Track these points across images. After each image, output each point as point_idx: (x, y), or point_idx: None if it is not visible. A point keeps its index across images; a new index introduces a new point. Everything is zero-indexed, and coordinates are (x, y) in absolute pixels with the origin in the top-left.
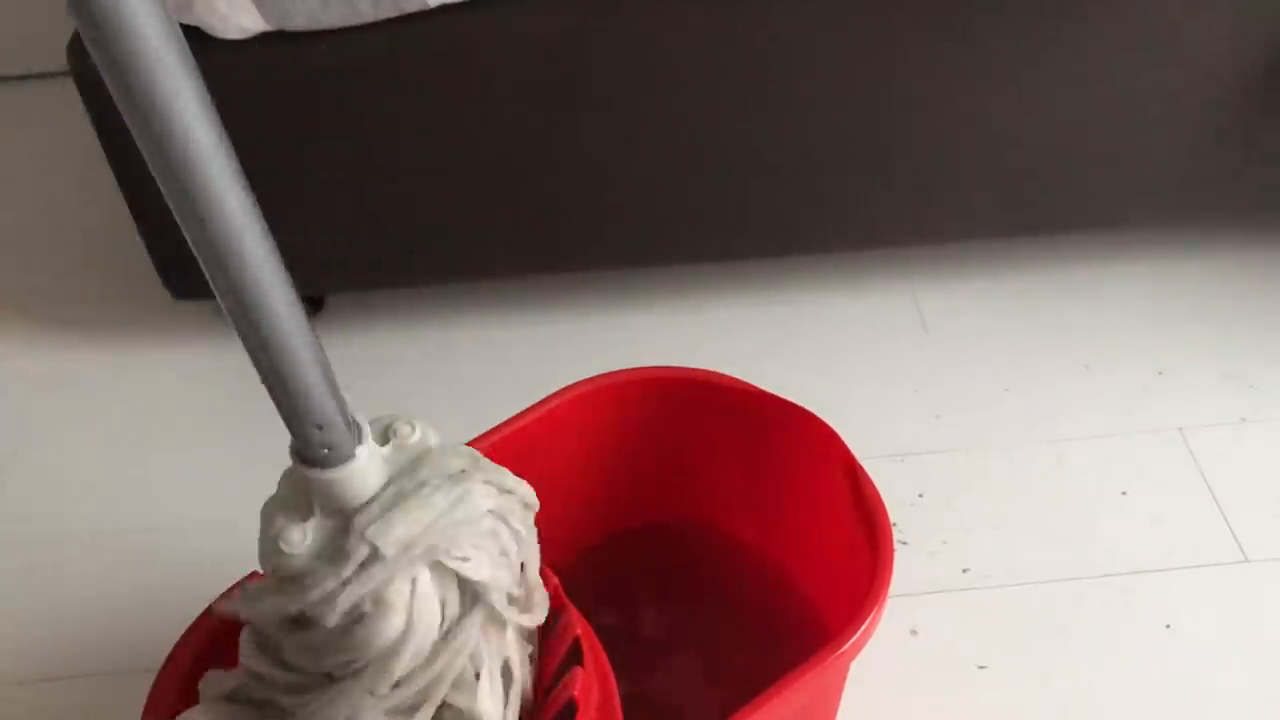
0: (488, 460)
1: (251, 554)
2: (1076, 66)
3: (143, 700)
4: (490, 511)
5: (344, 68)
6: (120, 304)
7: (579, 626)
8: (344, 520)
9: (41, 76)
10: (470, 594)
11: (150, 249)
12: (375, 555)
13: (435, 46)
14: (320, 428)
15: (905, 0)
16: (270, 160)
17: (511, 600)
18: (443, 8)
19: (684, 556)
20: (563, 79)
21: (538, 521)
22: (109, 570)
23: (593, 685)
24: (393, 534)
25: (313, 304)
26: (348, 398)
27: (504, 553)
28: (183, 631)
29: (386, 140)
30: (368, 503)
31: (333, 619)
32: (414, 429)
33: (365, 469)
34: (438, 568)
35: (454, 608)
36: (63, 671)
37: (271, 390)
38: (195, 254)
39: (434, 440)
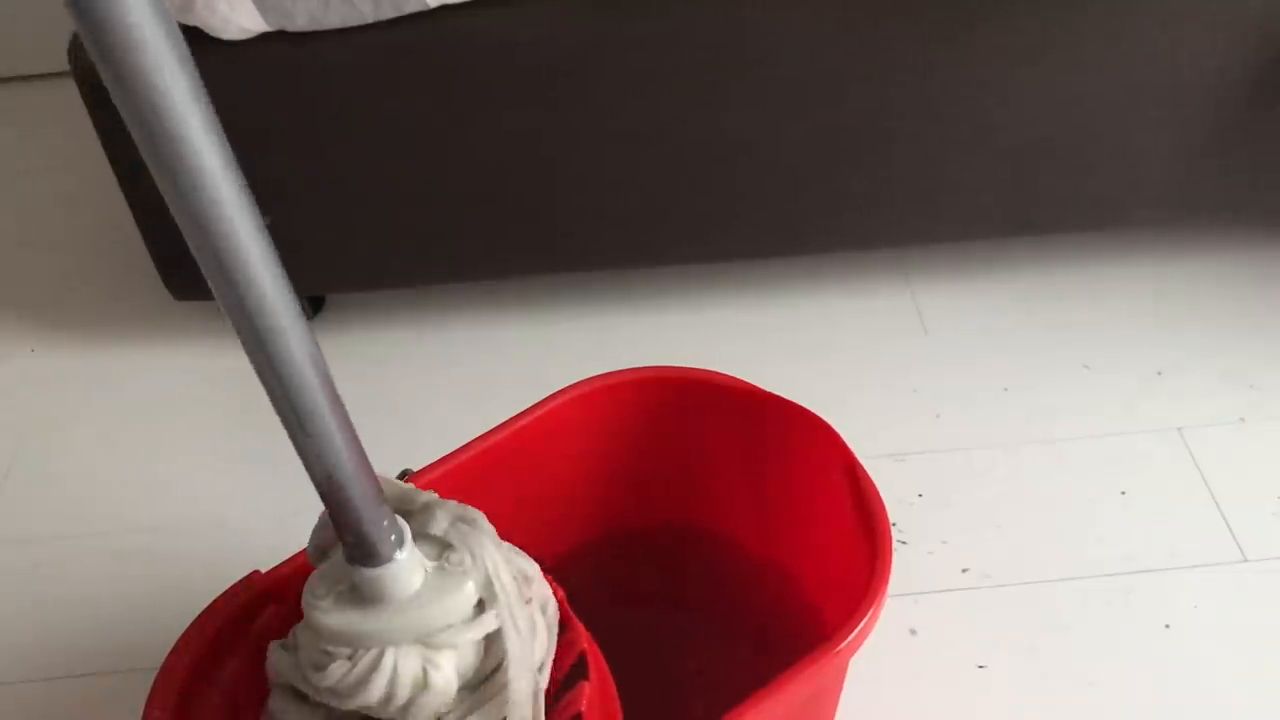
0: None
1: (250, 553)
2: (1076, 66)
3: (142, 700)
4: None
5: (345, 68)
6: (120, 304)
7: (584, 641)
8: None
9: (41, 77)
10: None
11: (151, 249)
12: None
13: (435, 47)
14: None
15: (905, 1)
16: (271, 161)
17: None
18: (443, 8)
19: (684, 556)
20: (562, 80)
21: (538, 520)
22: (109, 570)
23: (597, 701)
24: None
25: (313, 304)
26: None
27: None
28: (182, 631)
29: (387, 141)
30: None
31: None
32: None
33: (401, 572)
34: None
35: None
36: (63, 671)
37: (322, 496)
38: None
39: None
